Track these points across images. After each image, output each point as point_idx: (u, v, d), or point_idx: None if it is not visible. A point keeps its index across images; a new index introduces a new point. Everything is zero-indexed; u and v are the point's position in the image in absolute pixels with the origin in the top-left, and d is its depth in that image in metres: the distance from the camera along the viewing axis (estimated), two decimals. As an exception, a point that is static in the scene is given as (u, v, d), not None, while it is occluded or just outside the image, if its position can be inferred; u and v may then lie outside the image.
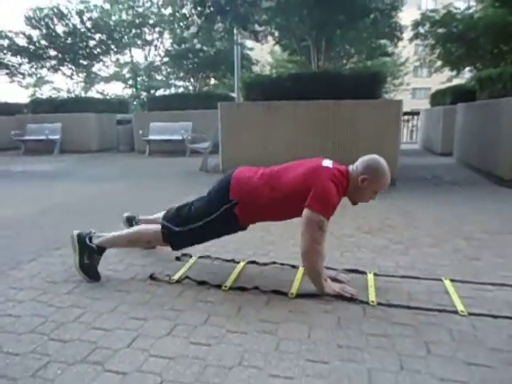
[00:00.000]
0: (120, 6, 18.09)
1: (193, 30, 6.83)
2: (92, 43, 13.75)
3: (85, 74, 16.24)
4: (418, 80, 35.87)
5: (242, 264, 2.14)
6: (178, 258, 2.23)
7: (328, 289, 1.76)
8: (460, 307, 1.65)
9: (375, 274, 2.01)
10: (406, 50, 17.08)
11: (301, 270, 2.06)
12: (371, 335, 1.44)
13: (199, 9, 5.44)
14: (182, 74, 14.92)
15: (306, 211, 1.74)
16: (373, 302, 1.70)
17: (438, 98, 8.91)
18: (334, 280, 1.87)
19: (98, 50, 13.92)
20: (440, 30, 8.69)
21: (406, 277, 1.99)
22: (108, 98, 17.74)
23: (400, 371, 1.24)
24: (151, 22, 15.46)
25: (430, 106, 9.56)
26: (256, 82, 5.40)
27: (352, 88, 4.90)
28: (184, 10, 5.96)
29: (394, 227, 2.95)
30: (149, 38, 18.60)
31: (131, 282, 1.93)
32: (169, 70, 15.36)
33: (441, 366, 1.26)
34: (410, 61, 18.10)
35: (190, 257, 2.25)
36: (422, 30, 8.88)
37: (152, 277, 1.97)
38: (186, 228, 1.88)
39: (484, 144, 5.42)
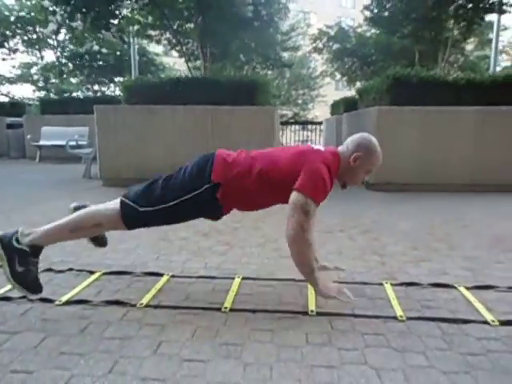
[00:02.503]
0: (28, 3, 16.79)
1: (53, 27, 6.49)
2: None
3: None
4: (338, 93, 38.21)
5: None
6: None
7: (324, 288, 1.58)
8: (227, 304, 1.66)
9: (172, 276, 1.98)
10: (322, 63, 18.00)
11: (96, 275, 1.97)
12: (110, 338, 1.38)
13: (61, 6, 5.16)
14: (82, 78, 14.17)
15: (292, 194, 1.57)
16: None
17: (335, 108, 9.47)
18: (323, 269, 1.78)
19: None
20: (335, 46, 9.24)
21: (201, 277, 1.99)
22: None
23: (107, 374, 1.18)
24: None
25: (330, 115, 10.14)
26: (136, 85, 5.26)
27: (231, 95, 4.97)
28: (50, 8, 5.61)
29: (237, 229, 2.98)
30: (61, 37, 17.51)
31: None
32: (76, 72, 14.47)
33: (154, 365, 1.23)
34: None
35: None
36: (320, 45, 9.38)
37: None
38: (153, 208, 1.63)
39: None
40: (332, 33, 9.18)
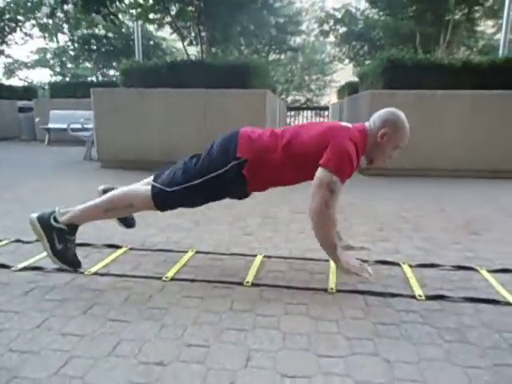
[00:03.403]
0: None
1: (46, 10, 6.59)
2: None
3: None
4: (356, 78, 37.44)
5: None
6: None
7: (346, 264, 1.59)
8: (169, 274, 1.75)
9: (131, 249, 2.08)
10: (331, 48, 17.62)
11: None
12: (49, 300, 1.49)
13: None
14: (91, 62, 14.34)
15: (318, 170, 1.56)
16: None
17: (340, 92, 9.36)
18: (349, 248, 1.83)
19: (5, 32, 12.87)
20: (342, 29, 9.08)
21: (158, 250, 2.08)
22: (27, 84, 16.69)
23: (35, 329, 1.29)
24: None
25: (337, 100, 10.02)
26: (133, 69, 5.34)
27: (225, 78, 5.00)
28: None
29: (210, 208, 3.04)
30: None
31: None
32: (86, 57, 14.60)
33: (79, 323, 1.33)
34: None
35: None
36: (326, 28, 9.23)
37: None
38: (181, 187, 1.65)
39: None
40: (339, 15, 9.01)
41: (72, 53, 14.66)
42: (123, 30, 11.33)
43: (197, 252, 2.06)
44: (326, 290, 1.63)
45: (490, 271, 1.85)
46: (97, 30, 10.95)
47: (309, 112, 14.01)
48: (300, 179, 1.75)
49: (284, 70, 19.46)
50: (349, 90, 8.18)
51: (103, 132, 5.18)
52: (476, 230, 2.59)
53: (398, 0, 7.36)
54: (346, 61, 10.83)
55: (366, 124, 1.72)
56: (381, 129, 1.66)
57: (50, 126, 8.37)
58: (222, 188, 1.70)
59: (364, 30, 9.04)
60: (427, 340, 1.28)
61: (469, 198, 3.65)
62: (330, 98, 23.22)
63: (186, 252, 2.04)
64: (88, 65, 19.30)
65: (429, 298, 1.57)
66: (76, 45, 13.54)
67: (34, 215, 1.63)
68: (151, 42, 12.00)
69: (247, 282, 1.68)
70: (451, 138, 4.71)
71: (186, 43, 7.28)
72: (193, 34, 7.88)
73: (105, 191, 1.98)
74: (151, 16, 6.90)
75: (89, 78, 17.82)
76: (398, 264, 1.93)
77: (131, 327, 1.32)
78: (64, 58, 18.11)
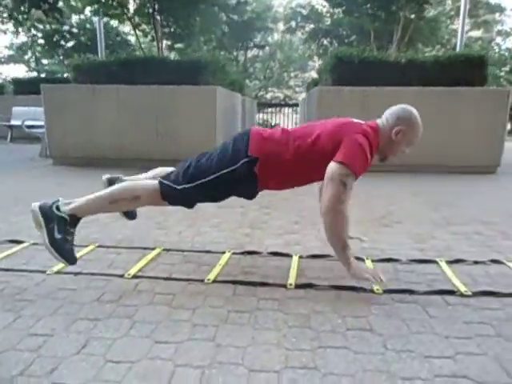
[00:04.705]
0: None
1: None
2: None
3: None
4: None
5: None
6: None
7: (357, 270, 1.53)
8: (55, 268, 1.78)
9: (33, 244, 2.10)
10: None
11: None
12: None
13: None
14: (58, 58, 14.13)
15: (331, 164, 1.53)
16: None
17: (308, 88, 9.44)
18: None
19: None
20: (310, 26, 9.14)
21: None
22: None
23: None
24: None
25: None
26: (84, 65, 5.31)
27: (176, 74, 5.01)
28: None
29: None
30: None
31: None
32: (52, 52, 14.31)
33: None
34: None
35: None
36: (293, 25, 9.28)
37: None
38: (191, 184, 1.64)
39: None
40: (305, 12, 9.07)
41: (39, 48, 14.42)
42: (88, 25, 11.19)
43: (98, 246, 2.09)
44: (202, 281, 1.68)
45: (374, 261, 1.94)
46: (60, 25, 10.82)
47: (287, 109, 14.12)
48: (312, 179, 1.76)
49: (263, 66, 19.48)
50: (313, 86, 8.25)
51: (54, 129, 5.15)
52: (389, 222, 2.68)
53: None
54: (316, 58, 10.96)
55: (378, 121, 1.72)
56: (395, 126, 1.65)
57: (13, 122, 8.25)
58: (231, 186, 1.69)
59: (331, 27, 9.13)
60: (271, 326, 1.34)
61: (400, 191, 3.75)
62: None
63: (87, 246, 2.07)
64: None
65: (298, 286, 1.63)
66: (41, 40, 13.31)
67: (36, 203, 1.60)
68: (118, 38, 11.92)
69: (128, 274, 1.72)
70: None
71: (147, 39, 7.24)
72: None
73: (109, 180, 1.95)
74: (110, 12, 6.87)
75: (65, 74, 17.58)
76: (290, 255, 1.99)
77: (-13, 319, 1.35)
78: (38, 54, 17.79)
